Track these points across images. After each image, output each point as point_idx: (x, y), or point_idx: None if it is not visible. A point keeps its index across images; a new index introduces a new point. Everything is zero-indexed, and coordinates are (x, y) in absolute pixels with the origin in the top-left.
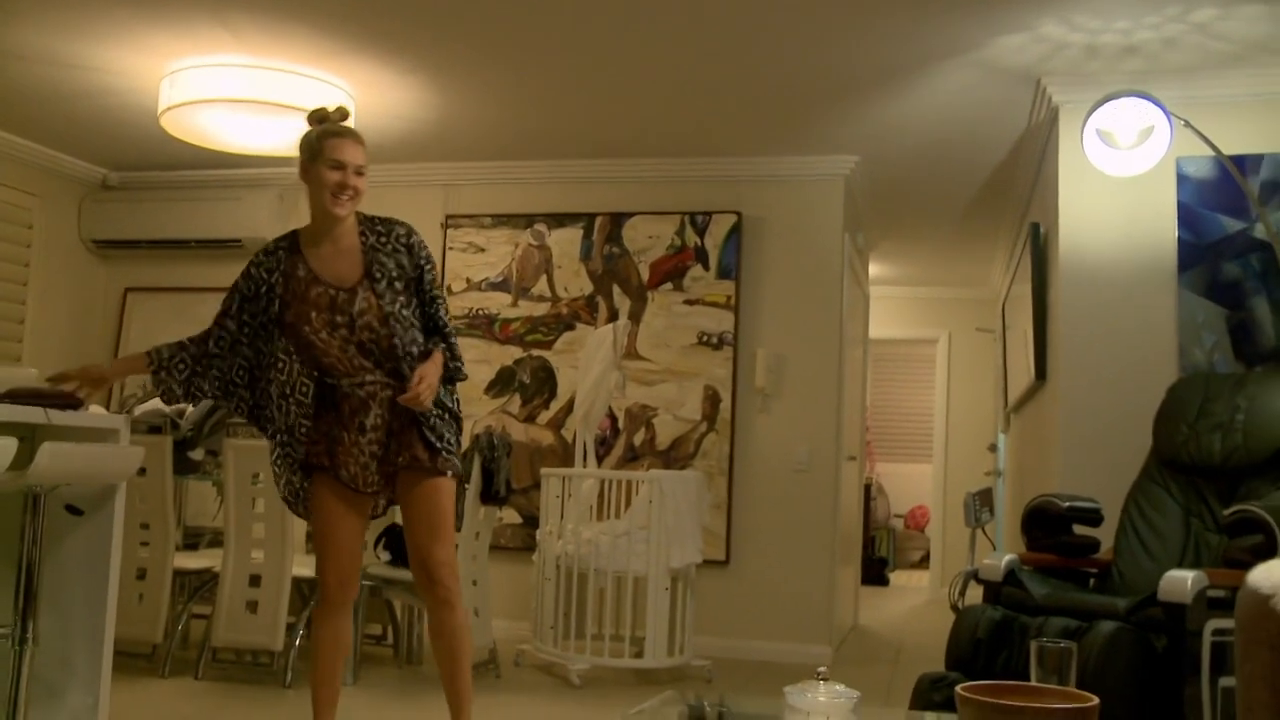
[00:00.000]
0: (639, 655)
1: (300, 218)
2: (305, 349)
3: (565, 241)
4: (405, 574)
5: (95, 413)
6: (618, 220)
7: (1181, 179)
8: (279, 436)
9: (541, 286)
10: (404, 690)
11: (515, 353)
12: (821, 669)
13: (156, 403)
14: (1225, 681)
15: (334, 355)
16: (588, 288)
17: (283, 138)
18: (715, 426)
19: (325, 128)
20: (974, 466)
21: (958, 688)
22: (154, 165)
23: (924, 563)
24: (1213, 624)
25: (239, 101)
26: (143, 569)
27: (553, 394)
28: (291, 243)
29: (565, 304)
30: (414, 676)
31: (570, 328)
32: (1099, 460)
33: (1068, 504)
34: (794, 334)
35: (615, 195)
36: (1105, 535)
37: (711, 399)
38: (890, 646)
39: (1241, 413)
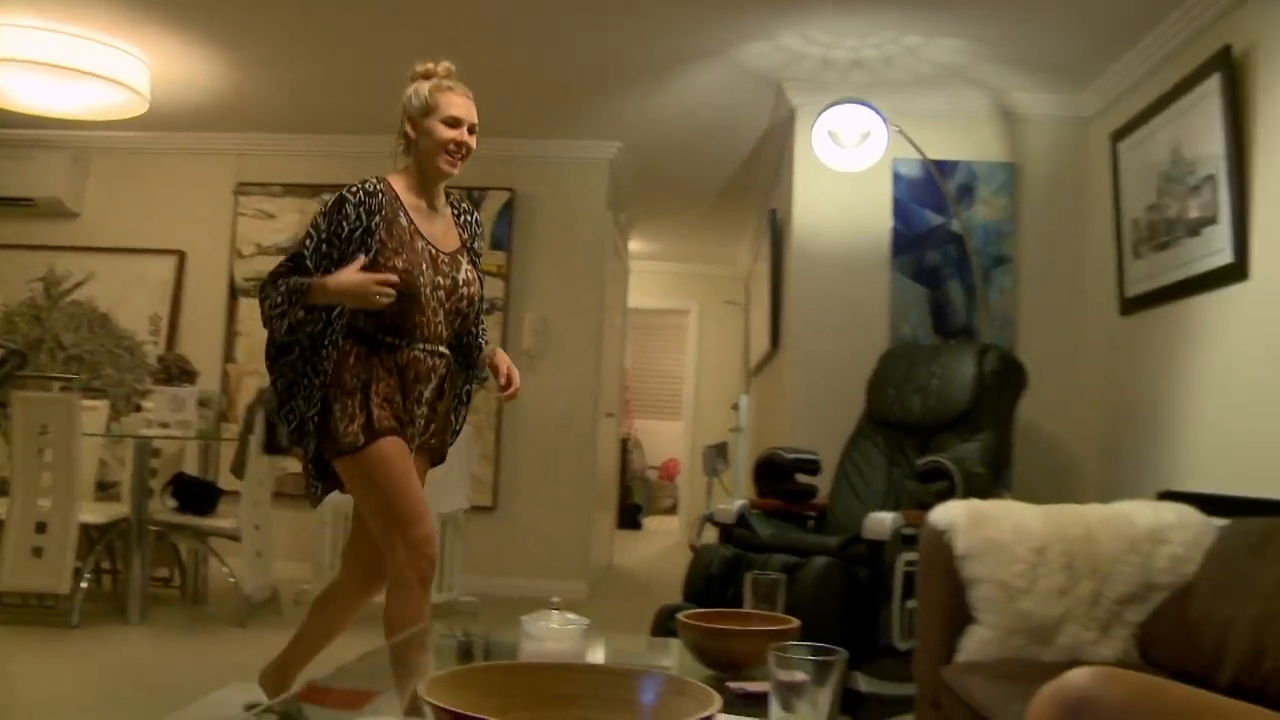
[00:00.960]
0: None
1: (99, 181)
2: (405, 301)
3: None
4: (192, 520)
5: None
6: None
7: (896, 177)
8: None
9: None
10: (191, 630)
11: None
12: (555, 599)
13: None
14: (912, 604)
15: (426, 314)
16: None
17: (76, 101)
18: (487, 385)
19: (438, 82)
20: (720, 424)
21: (679, 615)
22: None
23: (674, 509)
24: (905, 556)
25: (31, 63)
26: None
27: None
28: (389, 188)
29: None
30: (200, 616)
31: None
32: (821, 417)
33: (792, 455)
34: (559, 302)
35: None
36: (825, 483)
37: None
38: (640, 583)
39: (936, 378)
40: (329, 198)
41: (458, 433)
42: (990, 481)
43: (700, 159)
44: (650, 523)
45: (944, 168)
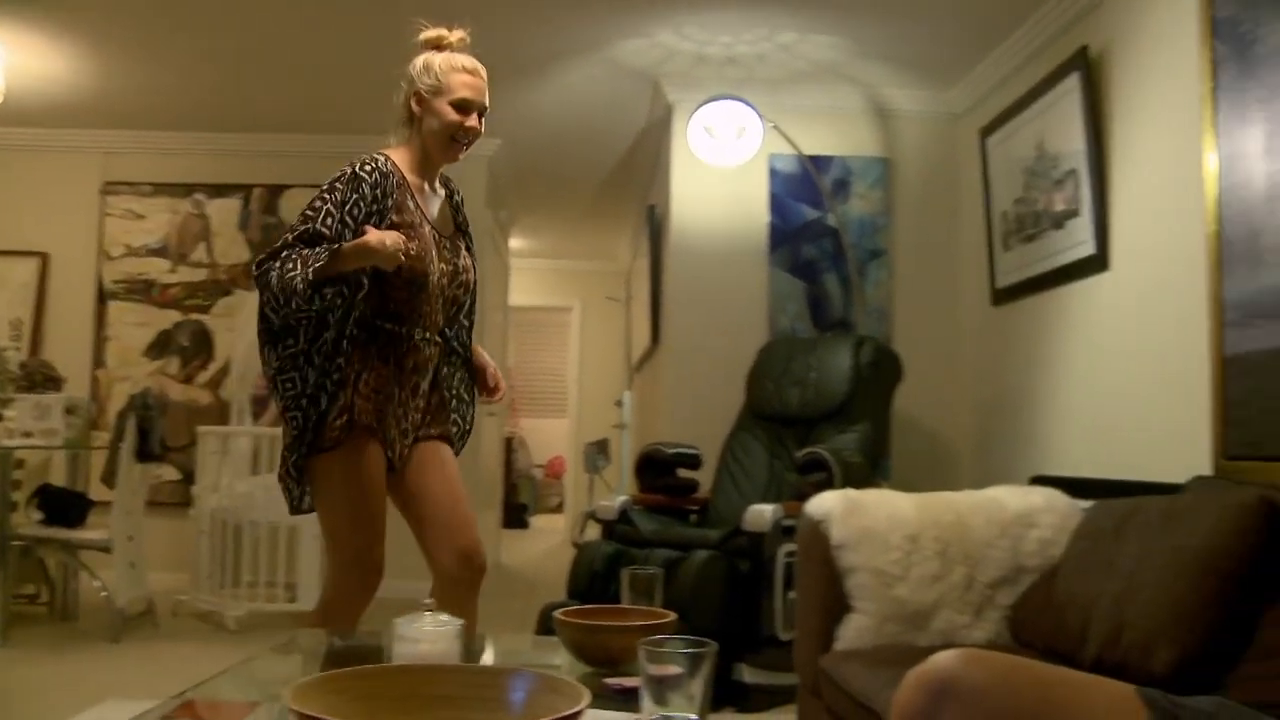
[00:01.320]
0: (293, 599)
1: None
2: (414, 288)
3: (224, 211)
4: (60, 532)
5: None
6: (275, 192)
7: (773, 173)
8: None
9: (200, 253)
10: (60, 648)
11: (174, 316)
12: (427, 600)
13: None
14: (794, 594)
15: (431, 302)
16: (246, 255)
17: None
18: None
19: (452, 59)
20: (604, 420)
21: (555, 613)
22: None
23: (561, 508)
24: (785, 548)
25: None
26: None
27: (210, 356)
28: (396, 168)
29: (224, 270)
30: (70, 633)
31: (228, 293)
32: (702, 412)
33: (672, 450)
34: None
35: (273, 168)
36: (707, 477)
37: None
38: (528, 582)
39: (814, 370)
40: (344, 170)
41: (468, 433)
42: (868, 471)
43: (580, 155)
44: (537, 521)
45: (819, 163)
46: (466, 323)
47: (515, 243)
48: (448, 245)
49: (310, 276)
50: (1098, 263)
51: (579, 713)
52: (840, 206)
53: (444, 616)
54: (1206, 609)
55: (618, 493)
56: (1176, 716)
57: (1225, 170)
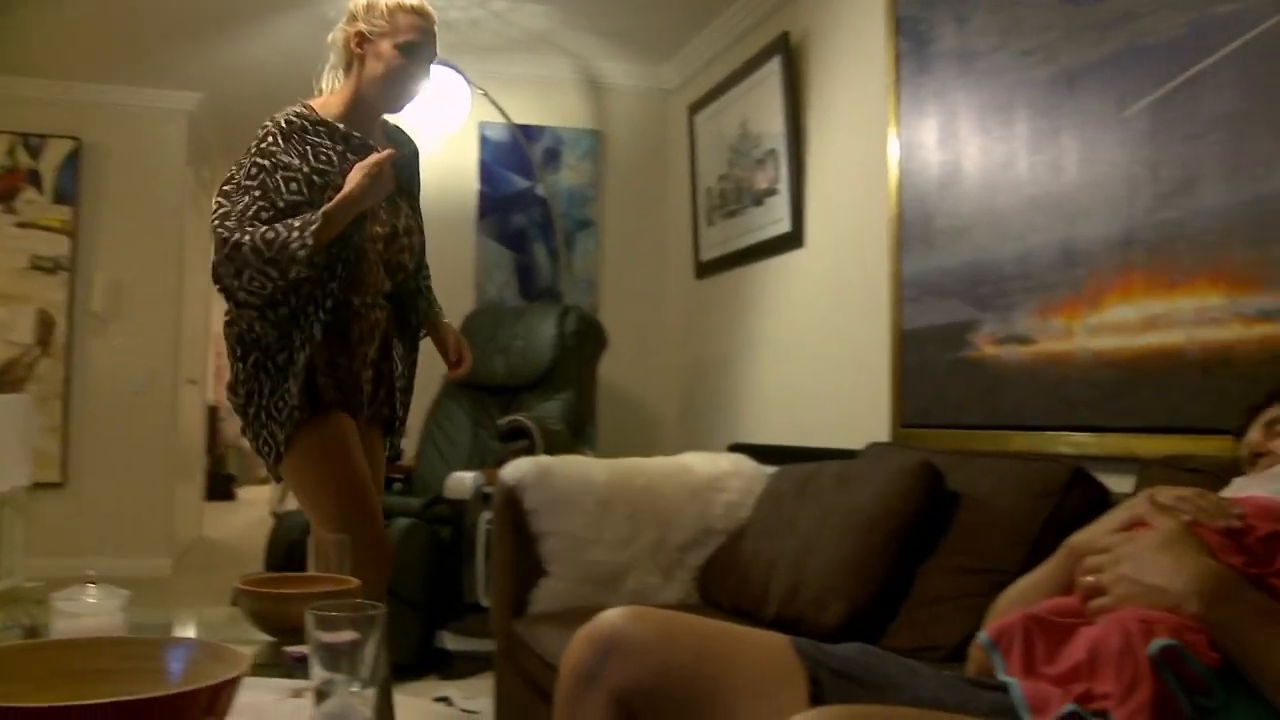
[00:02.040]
0: None
1: None
2: (344, 250)
3: None
4: None
5: None
6: None
7: (484, 141)
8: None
9: None
10: None
11: None
12: (90, 572)
13: None
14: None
15: (365, 265)
16: None
17: None
18: (49, 351)
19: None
20: None
21: (236, 583)
22: None
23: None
24: (486, 515)
25: None
26: None
27: None
28: (321, 118)
29: None
30: None
31: None
32: None
33: None
34: (134, 261)
35: None
36: (414, 446)
37: (45, 323)
38: (232, 554)
39: (519, 339)
40: (265, 129)
41: (403, 422)
42: (570, 439)
43: None
44: (246, 493)
45: (530, 133)
46: (418, 286)
47: None
48: (384, 205)
49: (310, 242)
50: (794, 239)
51: (236, 679)
52: (550, 177)
53: (112, 588)
54: (873, 565)
55: None
56: (823, 663)
57: (905, 157)
